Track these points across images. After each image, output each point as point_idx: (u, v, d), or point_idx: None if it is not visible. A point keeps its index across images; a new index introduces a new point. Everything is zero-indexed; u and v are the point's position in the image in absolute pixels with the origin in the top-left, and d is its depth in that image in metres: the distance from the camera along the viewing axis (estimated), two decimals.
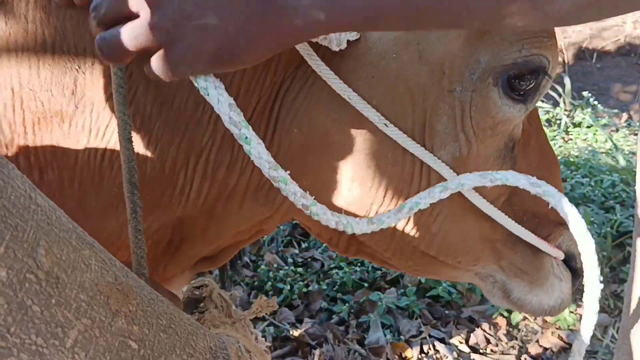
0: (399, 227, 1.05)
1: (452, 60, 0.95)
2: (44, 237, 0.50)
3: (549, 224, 1.12)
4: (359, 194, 1.02)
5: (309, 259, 3.26)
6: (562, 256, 1.13)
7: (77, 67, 0.95)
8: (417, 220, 1.04)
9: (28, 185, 0.52)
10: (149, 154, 0.98)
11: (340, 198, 1.03)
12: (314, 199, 0.96)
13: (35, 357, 0.48)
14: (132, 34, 0.74)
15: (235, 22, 0.72)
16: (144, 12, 0.73)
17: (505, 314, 2.92)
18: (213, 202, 1.04)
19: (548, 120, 4.23)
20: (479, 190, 1.03)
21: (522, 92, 0.98)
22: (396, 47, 0.95)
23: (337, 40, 0.92)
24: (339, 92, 0.95)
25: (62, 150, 0.97)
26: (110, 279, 0.56)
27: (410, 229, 1.05)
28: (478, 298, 3.03)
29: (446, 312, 2.99)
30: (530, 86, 0.99)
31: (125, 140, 0.85)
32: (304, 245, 3.33)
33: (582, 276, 1.12)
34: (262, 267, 3.08)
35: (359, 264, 3.18)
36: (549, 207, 1.06)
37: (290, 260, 3.21)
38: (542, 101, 4.42)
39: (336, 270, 3.12)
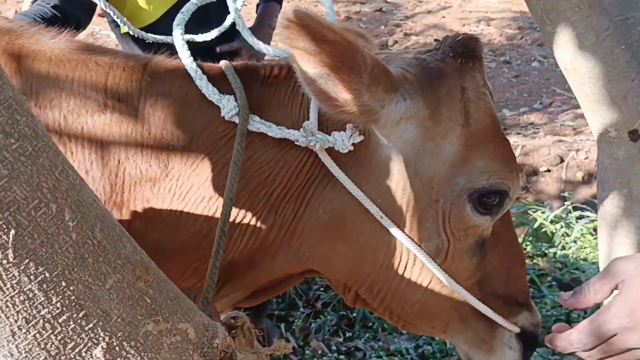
0: (389, 293, 1.41)
1: (438, 179, 1.34)
2: (99, 222, 0.86)
3: (509, 304, 1.44)
4: (353, 267, 1.39)
5: (352, 348, 3.47)
6: (517, 330, 1.44)
7: (172, 147, 1.35)
8: (403, 289, 1.40)
9: (92, 191, 0.88)
10: (218, 214, 1.35)
11: (344, 265, 1.40)
12: (326, 262, 1.40)
13: (86, 290, 0.82)
14: None
15: None
16: None
17: None
18: (254, 251, 1.41)
19: None
20: (452, 273, 1.37)
21: (488, 207, 1.35)
22: (400, 165, 1.33)
23: (342, 147, 1.32)
24: (353, 193, 1.33)
25: (149, 206, 1.35)
26: (137, 258, 0.91)
27: (398, 297, 1.41)
28: None
29: None
30: (495, 203, 1.36)
31: (228, 199, 1.25)
32: (348, 335, 3.55)
33: (533, 349, 1.48)
34: (308, 352, 3.31)
35: (399, 354, 3.36)
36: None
37: (334, 348, 3.44)
38: None
39: (377, 359, 3.31)
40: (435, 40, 1.41)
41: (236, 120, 1.32)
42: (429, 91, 1.30)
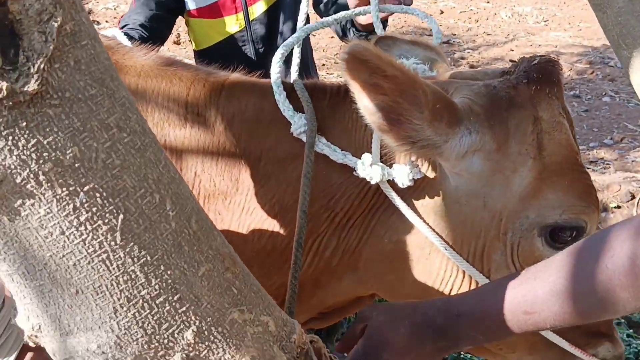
0: None
1: (508, 212, 1.28)
2: (195, 214, 0.93)
3: (589, 334, 1.35)
4: (419, 296, 1.37)
5: None
6: None
7: (243, 163, 1.41)
8: None
9: (189, 187, 0.95)
10: (282, 232, 1.40)
11: (410, 294, 1.39)
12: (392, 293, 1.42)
13: (182, 275, 0.89)
14: None
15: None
16: None
17: None
18: (319, 274, 1.43)
19: None
20: None
21: (563, 242, 1.26)
22: (468, 197, 1.30)
23: (402, 182, 1.31)
24: (417, 226, 1.31)
25: (221, 218, 1.42)
26: (226, 251, 0.97)
27: None
28: None
29: None
30: (570, 239, 1.27)
31: (302, 212, 1.29)
32: None
33: None
34: None
35: None
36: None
37: None
38: None
39: None
40: (512, 61, 1.39)
41: (303, 137, 1.36)
42: (497, 123, 1.26)
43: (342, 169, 1.37)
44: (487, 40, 8.02)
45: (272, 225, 1.40)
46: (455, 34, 8.22)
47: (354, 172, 1.34)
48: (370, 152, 1.32)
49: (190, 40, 3.27)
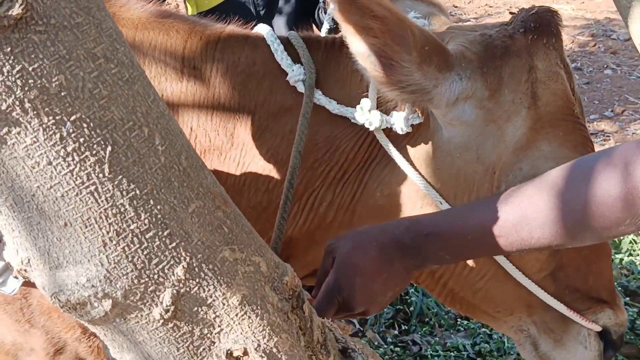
0: (452, 279, 1.37)
1: (501, 164, 1.27)
2: (185, 151, 0.92)
3: (590, 299, 1.34)
4: None
5: (409, 342, 3.47)
6: (597, 329, 1.34)
7: (237, 117, 1.40)
8: (466, 276, 1.36)
9: (178, 124, 0.94)
10: (278, 187, 1.39)
11: None
12: None
13: (171, 211, 0.88)
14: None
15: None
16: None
17: None
18: (314, 229, 1.43)
19: None
20: (521, 264, 1.30)
21: None
22: (460, 149, 1.29)
23: (401, 127, 1.30)
24: (412, 178, 1.30)
25: (217, 173, 1.40)
26: (217, 190, 0.97)
27: (460, 282, 1.37)
28: None
29: None
30: None
31: (297, 152, 1.30)
32: (404, 328, 3.56)
33: (616, 349, 1.38)
34: (363, 342, 3.34)
35: (455, 350, 3.35)
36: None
37: (390, 340, 3.45)
38: None
39: (433, 354, 3.31)
40: (511, 13, 1.37)
41: (299, 86, 1.35)
42: (490, 71, 1.25)
43: (338, 121, 1.36)
44: (489, 12, 7.94)
45: (267, 180, 1.39)
46: (457, 6, 8.14)
47: (352, 120, 1.33)
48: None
49: (186, 6, 3.22)
